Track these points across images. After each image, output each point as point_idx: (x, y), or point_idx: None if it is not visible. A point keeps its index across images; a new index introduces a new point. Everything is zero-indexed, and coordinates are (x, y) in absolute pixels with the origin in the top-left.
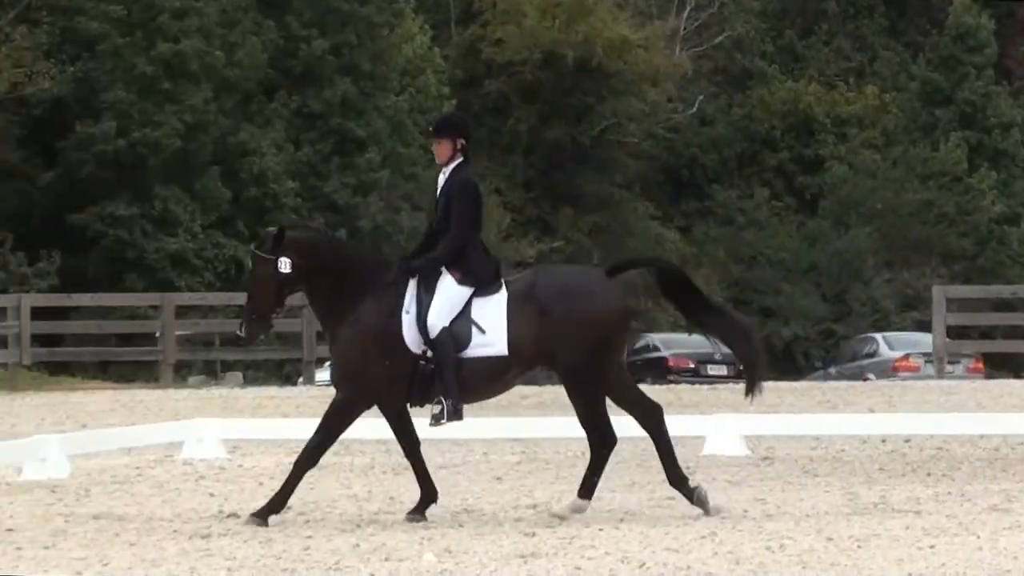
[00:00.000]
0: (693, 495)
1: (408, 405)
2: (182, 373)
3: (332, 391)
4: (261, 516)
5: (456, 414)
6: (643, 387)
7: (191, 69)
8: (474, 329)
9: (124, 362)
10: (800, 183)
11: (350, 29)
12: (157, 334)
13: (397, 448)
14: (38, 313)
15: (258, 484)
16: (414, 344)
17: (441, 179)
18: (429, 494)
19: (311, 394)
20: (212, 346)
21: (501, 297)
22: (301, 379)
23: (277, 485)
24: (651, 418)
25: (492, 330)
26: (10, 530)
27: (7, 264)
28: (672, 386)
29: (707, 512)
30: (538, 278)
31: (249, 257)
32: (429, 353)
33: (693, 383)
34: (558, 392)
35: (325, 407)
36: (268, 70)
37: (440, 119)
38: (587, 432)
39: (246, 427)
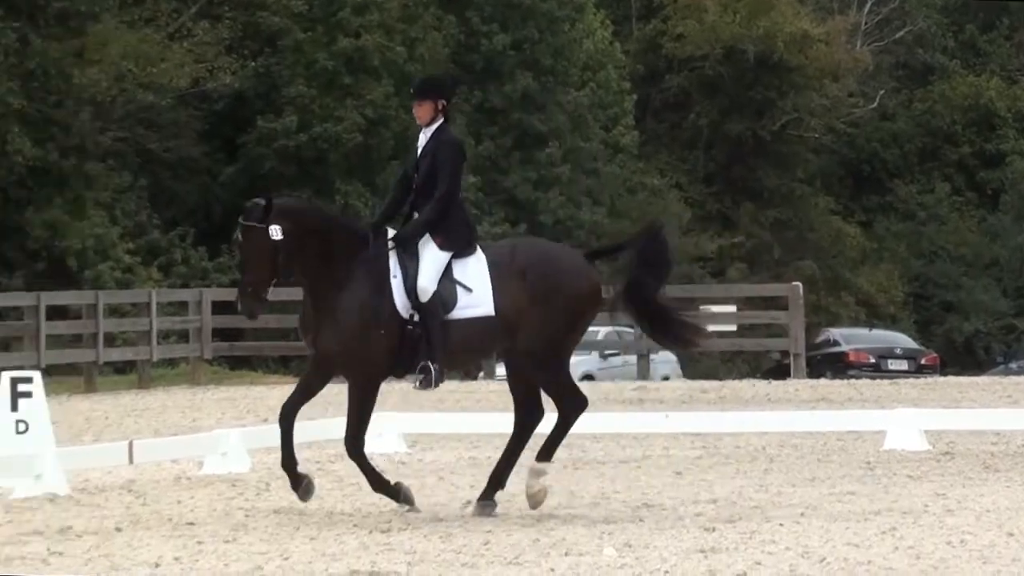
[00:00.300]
0: (486, 501)
1: (393, 376)
2: None
3: (508, 386)
4: (404, 500)
5: (440, 378)
6: (823, 381)
7: (372, 64)
8: (459, 290)
9: (304, 356)
10: (981, 178)
11: (531, 24)
12: None
13: (577, 442)
14: (219, 308)
15: (438, 478)
16: (404, 310)
17: (422, 139)
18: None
19: (491, 388)
20: None
21: (480, 259)
22: (482, 373)
23: (457, 479)
24: (531, 418)
25: (477, 290)
26: (191, 524)
27: (188, 259)
28: (852, 381)
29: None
30: (519, 246)
31: (238, 230)
32: (416, 318)
33: (874, 378)
34: (737, 387)
35: (505, 401)
36: (449, 65)
37: (421, 80)
38: (555, 401)
39: (426, 421)
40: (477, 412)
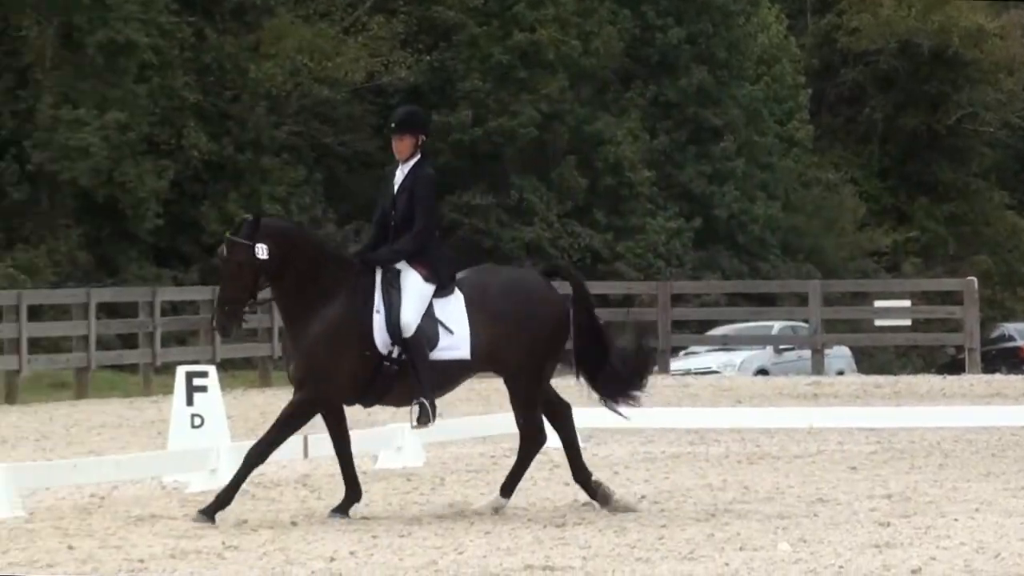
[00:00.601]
0: (596, 492)
1: (360, 405)
2: None
3: (687, 380)
4: (208, 512)
5: (434, 414)
6: (998, 376)
7: (547, 58)
8: (441, 330)
9: None
10: None
11: (706, 18)
12: None
13: (751, 436)
14: None
15: (612, 473)
16: (383, 345)
17: (399, 175)
18: (354, 494)
19: (666, 383)
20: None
21: (459, 298)
22: (656, 368)
23: (631, 474)
24: (560, 415)
25: (458, 332)
26: (366, 518)
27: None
28: None
29: (610, 508)
30: (488, 283)
31: (224, 244)
32: (395, 354)
33: None
34: (912, 382)
35: (679, 396)
36: (624, 59)
37: (402, 114)
38: (521, 433)
39: (601, 416)
40: (652, 407)
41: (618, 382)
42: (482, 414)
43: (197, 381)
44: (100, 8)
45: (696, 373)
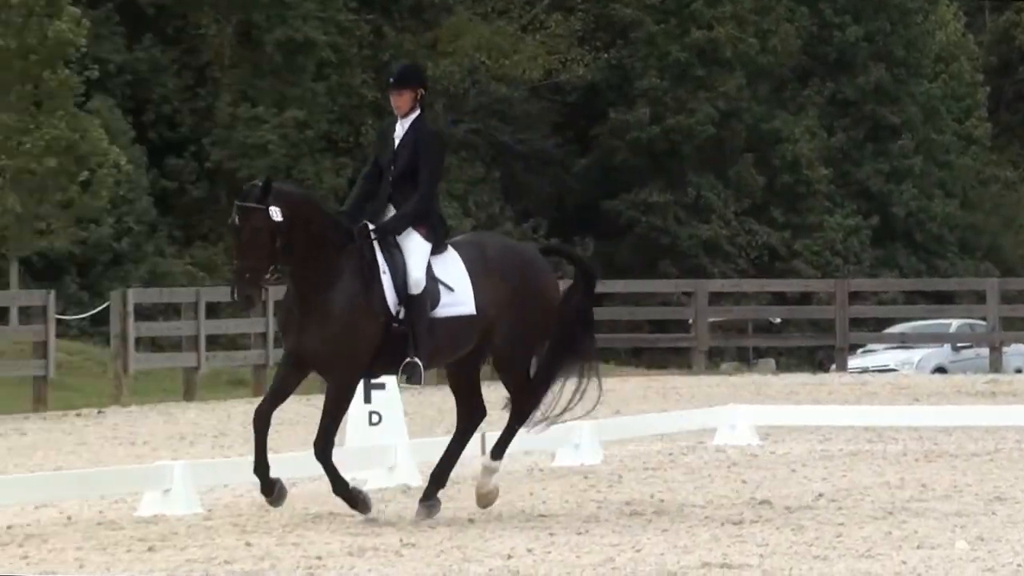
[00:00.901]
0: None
1: (367, 377)
2: (714, 360)
3: (865, 378)
4: (361, 508)
5: (424, 376)
6: None
7: (725, 56)
8: (442, 288)
9: (657, 348)
10: None
11: (883, 16)
12: (690, 321)
13: (929, 434)
14: None
15: (790, 471)
16: (393, 306)
17: (399, 130)
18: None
19: (843, 381)
20: (745, 333)
21: (454, 257)
22: (834, 366)
23: (809, 472)
24: (472, 418)
25: (459, 289)
26: (543, 516)
27: None
28: None
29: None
30: (487, 244)
31: (234, 212)
32: (401, 314)
33: None
34: None
35: (857, 394)
36: (801, 56)
37: (401, 68)
38: (513, 398)
39: (778, 413)
40: (829, 404)
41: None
42: (659, 411)
43: (375, 379)
44: (279, 6)
45: (874, 371)
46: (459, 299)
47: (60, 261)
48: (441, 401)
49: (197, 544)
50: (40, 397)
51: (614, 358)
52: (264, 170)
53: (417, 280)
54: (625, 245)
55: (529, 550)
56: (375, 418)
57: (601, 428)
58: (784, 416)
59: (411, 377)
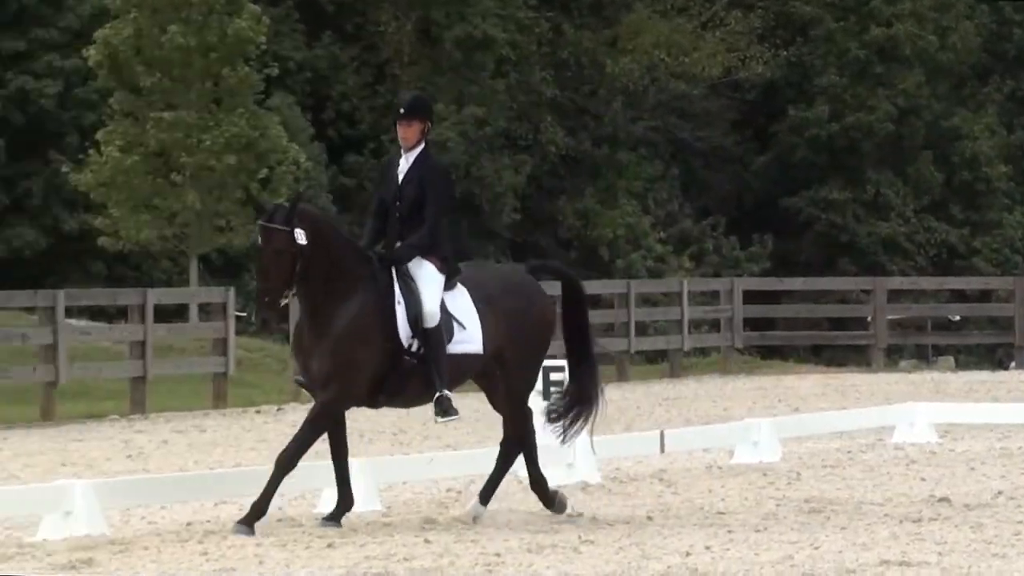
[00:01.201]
0: (552, 502)
1: (368, 406)
2: (893, 357)
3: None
4: (246, 523)
5: (453, 404)
6: None
7: (904, 53)
8: (455, 324)
9: (836, 346)
10: None
11: None
12: (869, 318)
13: None
14: (750, 297)
15: (969, 469)
16: (405, 338)
17: (403, 164)
18: (346, 503)
19: (1023, 379)
20: (924, 330)
21: (463, 293)
22: (1013, 363)
23: (988, 470)
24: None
25: (470, 326)
26: (721, 513)
27: (720, 248)
28: None
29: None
30: (487, 281)
31: (260, 232)
32: (414, 347)
33: None
34: None
35: (1010, 392)
36: (981, 54)
37: (411, 99)
38: (510, 434)
39: (957, 411)
40: (1009, 403)
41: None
42: (838, 409)
43: (554, 376)
44: (458, 3)
45: None
46: (470, 337)
47: (239, 258)
48: (620, 398)
49: (376, 541)
50: (220, 394)
51: (792, 355)
52: None
53: (431, 312)
54: (804, 242)
55: (707, 547)
56: (554, 415)
57: (780, 425)
58: (963, 414)
59: (447, 411)
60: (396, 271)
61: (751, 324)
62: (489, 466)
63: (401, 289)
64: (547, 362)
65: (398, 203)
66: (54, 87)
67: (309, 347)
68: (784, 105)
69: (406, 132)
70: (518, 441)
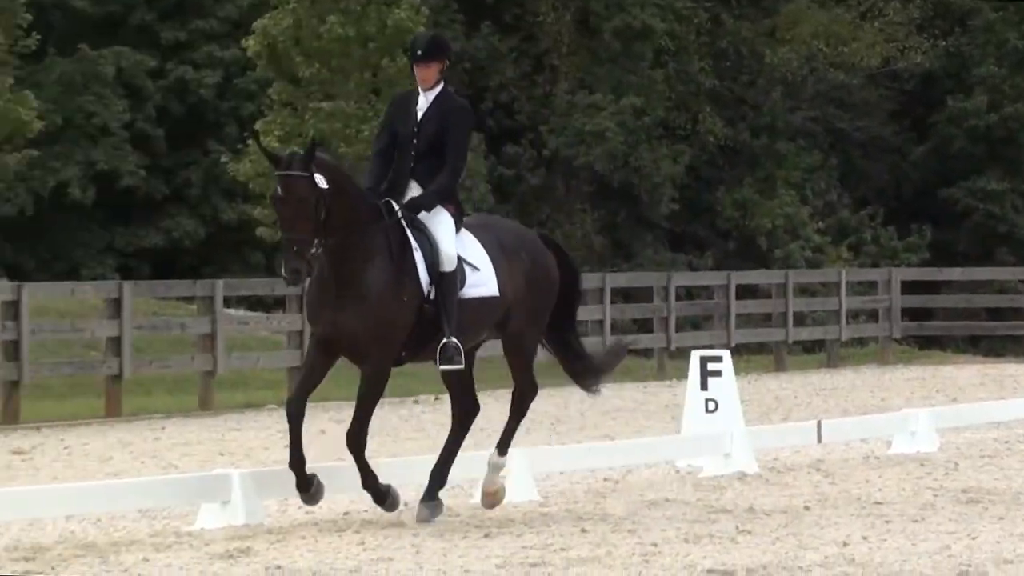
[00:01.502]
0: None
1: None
2: None
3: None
4: (388, 506)
5: (460, 355)
6: None
7: None
8: (467, 268)
9: (994, 336)
10: None
11: None
12: None
13: None
14: (908, 287)
15: None
16: (425, 285)
17: (423, 102)
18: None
19: None
20: None
21: (472, 239)
22: None
23: None
24: (467, 415)
25: (483, 269)
26: (878, 503)
27: (878, 238)
28: None
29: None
30: (498, 228)
31: (278, 183)
32: (432, 295)
33: None
34: None
35: None
36: None
37: (428, 40)
38: (517, 386)
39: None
40: None
41: (583, 365)
42: (996, 399)
43: (711, 366)
44: None
45: None
46: (483, 280)
47: None
48: (777, 388)
49: (533, 531)
50: None
51: (950, 345)
52: (602, 157)
53: (449, 255)
54: (962, 233)
55: (864, 537)
56: (711, 405)
57: (937, 416)
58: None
59: (451, 359)
60: (407, 217)
61: (909, 314)
62: (646, 457)
63: (414, 235)
64: (703, 352)
65: (415, 140)
66: (213, 77)
67: (335, 305)
68: (942, 95)
69: (424, 74)
70: (529, 395)
